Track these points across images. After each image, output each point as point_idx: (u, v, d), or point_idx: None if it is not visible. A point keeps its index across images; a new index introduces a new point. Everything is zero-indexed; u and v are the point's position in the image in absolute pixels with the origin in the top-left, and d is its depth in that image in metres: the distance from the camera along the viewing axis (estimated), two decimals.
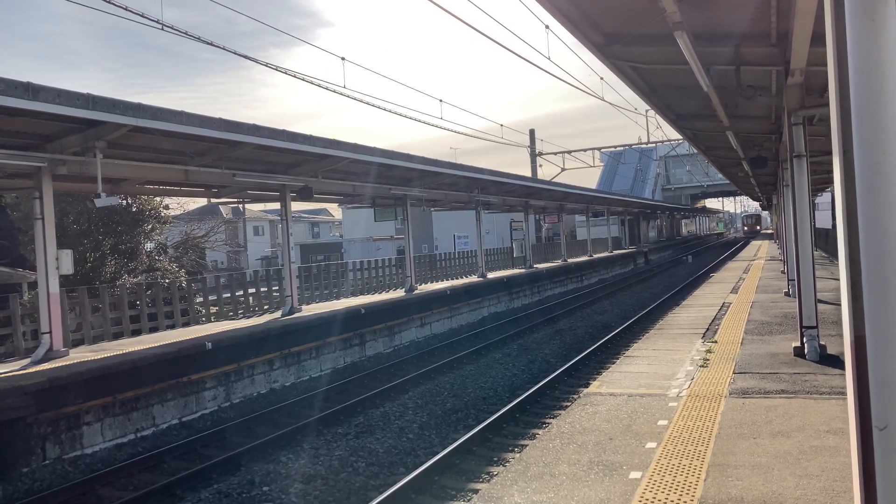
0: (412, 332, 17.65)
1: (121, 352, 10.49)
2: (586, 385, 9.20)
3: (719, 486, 4.51)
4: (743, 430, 5.67)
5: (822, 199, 36.04)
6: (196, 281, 16.83)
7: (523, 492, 4.64)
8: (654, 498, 4.37)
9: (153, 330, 13.83)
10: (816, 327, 8.41)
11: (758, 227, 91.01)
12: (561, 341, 16.63)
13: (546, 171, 41.52)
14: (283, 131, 12.02)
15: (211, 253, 32.31)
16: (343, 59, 15.15)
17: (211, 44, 11.79)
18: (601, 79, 22.31)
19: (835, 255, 23.24)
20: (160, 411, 10.37)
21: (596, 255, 37.47)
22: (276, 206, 16.00)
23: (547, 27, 16.11)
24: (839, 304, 2.57)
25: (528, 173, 39.11)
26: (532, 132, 41.33)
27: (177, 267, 19.33)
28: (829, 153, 2.52)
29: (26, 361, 10.05)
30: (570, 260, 33.71)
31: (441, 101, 23.88)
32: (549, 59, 17.74)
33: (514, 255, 30.50)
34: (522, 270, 27.35)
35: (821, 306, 8.96)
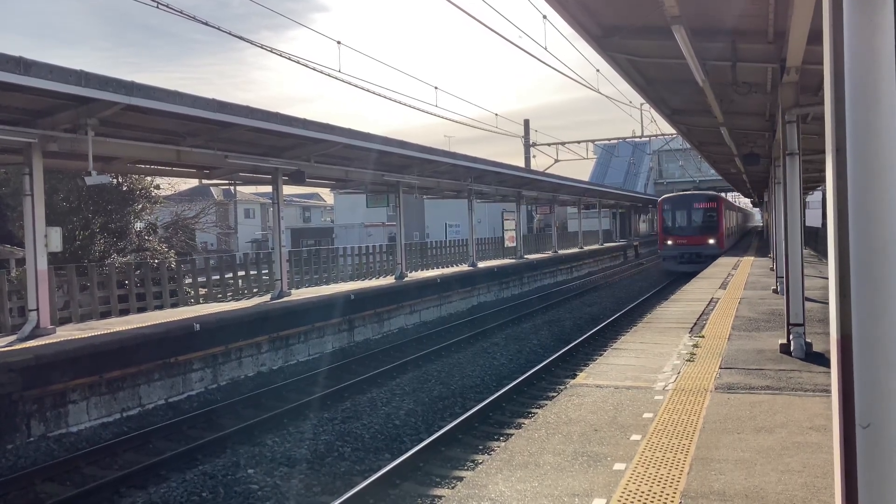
0: (401, 319, 17.67)
1: (108, 331, 10.46)
2: (573, 376, 9.24)
3: (702, 479, 4.55)
4: (727, 424, 5.72)
5: (813, 197, 36.20)
6: (185, 262, 16.77)
7: (508, 480, 4.66)
8: (638, 489, 4.40)
9: (141, 310, 13.78)
10: (803, 325, 8.46)
11: (710, 240, 32.24)
12: (549, 332, 16.69)
13: (540, 162, 41.41)
14: (277, 114, 11.95)
15: (201, 234, 32.10)
16: (339, 42, 15.08)
17: (206, 23, 11.69)
18: (597, 71, 22.38)
19: (824, 254, 23.39)
20: (147, 391, 10.36)
21: (587, 248, 37.55)
22: (268, 189, 15.94)
23: (545, 17, 16.04)
24: (826, 303, 2.59)
25: (522, 164, 39.07)
26: (526, 122, 41.20)
27: (166, 247, 19.20)
28: (822, 152, 2.53)
29: (12, 338, 10.00)
30: (561, 251, 33.78)
31: (436, 88, 23.84)
32: (546, 49, 17.68)
33: (505, 245, 30.52)
34: (513, 260, 27.39)
35: (808, 304, 9.01)
